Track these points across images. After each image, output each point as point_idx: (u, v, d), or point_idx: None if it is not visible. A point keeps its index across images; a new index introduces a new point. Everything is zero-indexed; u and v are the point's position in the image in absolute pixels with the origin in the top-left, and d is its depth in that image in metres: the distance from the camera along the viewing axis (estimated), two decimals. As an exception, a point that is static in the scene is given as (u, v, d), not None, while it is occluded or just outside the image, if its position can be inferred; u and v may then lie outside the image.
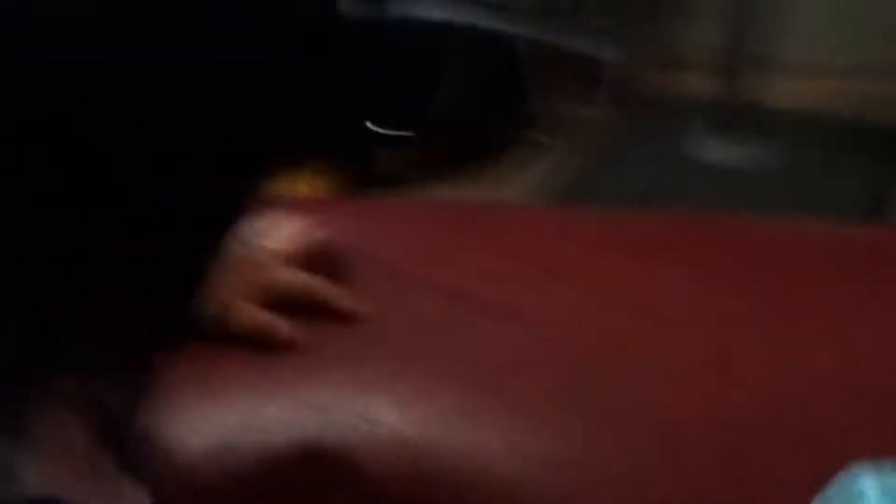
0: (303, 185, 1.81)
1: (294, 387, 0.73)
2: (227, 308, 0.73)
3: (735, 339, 0.76)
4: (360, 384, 0.73)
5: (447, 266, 0.86)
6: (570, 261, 0.87)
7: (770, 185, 1.90)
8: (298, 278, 0.78)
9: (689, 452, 0.68)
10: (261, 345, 0.74)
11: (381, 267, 0.85)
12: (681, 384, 0.72)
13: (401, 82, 1.91)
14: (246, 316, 0.74)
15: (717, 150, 1.94)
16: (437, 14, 1.98)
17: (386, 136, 1.88)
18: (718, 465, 0.67)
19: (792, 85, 2.02)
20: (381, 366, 0.75)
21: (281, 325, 0.75)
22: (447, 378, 0.73)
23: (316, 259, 0.80)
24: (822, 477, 0.60)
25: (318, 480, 0.68)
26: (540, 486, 0.67)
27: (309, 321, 0.76)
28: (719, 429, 0.69)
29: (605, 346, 0.76)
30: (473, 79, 1.91)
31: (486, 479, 0.68)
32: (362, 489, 0.68)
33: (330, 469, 0.68)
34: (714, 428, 0.69)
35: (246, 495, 0.68)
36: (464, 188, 1.91)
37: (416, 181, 1.90)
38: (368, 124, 1.87)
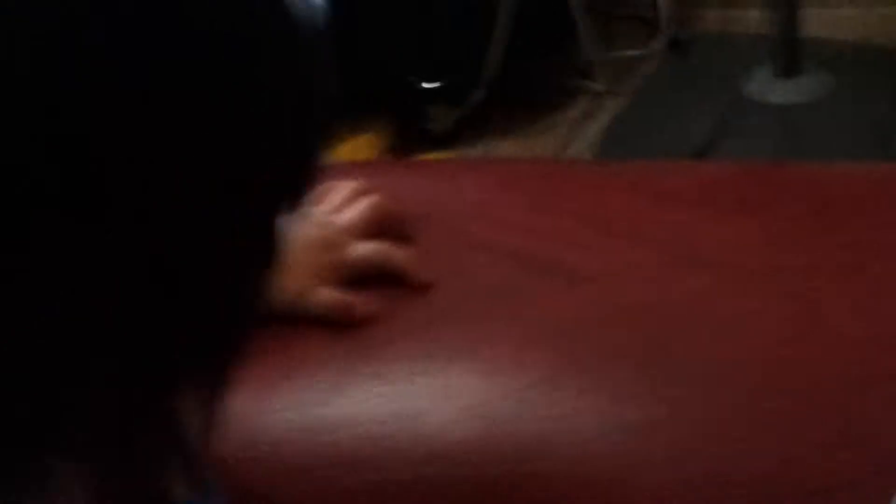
0: (358, 147, 1.79)
1: (372, 361, 0.72)
2: (303, 293, 0.72)
3: (820, 292, 0.74)
4: (439, 355, 0.72)
5: (511, 228, 0.84)
6: (638, 217, 0.85)
7: (834, 122, 1.85)
8: (372, 251, 0.77)
9: (782, 413, 0.66)
10: (338, 323, 0.73)
11: (444, 231, 0.84)
12: (768, 342, 0.70)
13: (453, 36, 1.88)
14: (323, 298, 0.73)
15: (779, 90, 1.89)
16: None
17: (440, 93, 1.85)
18: (815, 426, 0.65)
19: (854, 14, 1.97)
20: (455, 336, 0.74)
21: (358, 304, 0.74)
22: (526, 345, 0.72)
23: (385, 227, 0.79)
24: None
25: (404, 455, 0.67)
26: (628, 454, 0.65)
27: (382, 292, 0.76)
28: (814, 388, 0.67)
29: (685, 305, 0.74)
30: (527, 28, 1.88)
31: (571, 448, 0.66)
32: (440, 461, 0.68)
33: (414, 442, 0.68)
34: (807, 387, 0.67)
35: (330, 474, 0.67)
36: (521, 143, 1.89)
37: (472, 139, 1.88)
38: (422, 82, 1.85)
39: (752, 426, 0.66)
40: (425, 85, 1.85)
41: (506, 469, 0.66)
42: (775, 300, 0.73)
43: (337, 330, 0.73)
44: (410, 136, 1.85)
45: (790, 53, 1.88)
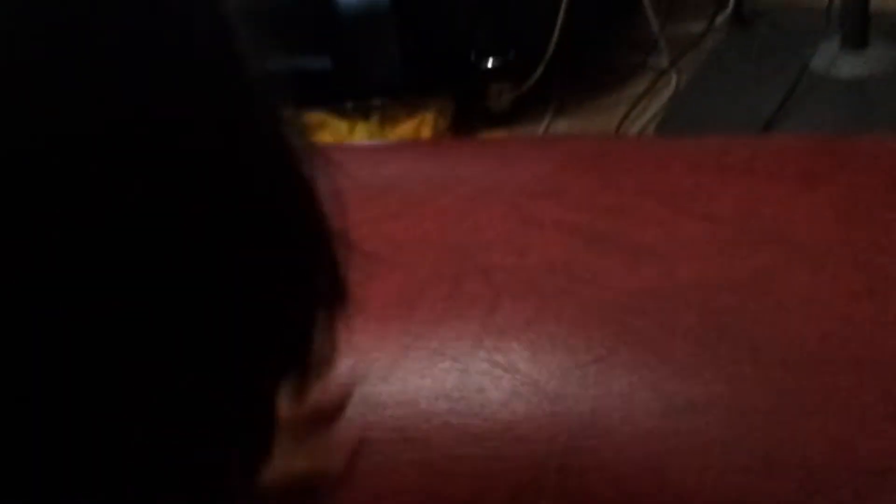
0: (419, 126, 1.79)
1: (431, 338, 0.72)
2: None
3: (888, 268, 0.72)
4: (493, 332, 0.72)
5: (575, 205, 0.84)
6: (703, 193, 0.83)
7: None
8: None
9: (843, 394, 0.65)
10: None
11: (504, 208, 0.84)
12: (830, 321, 0.69)
13: (514, 12, 1.87)
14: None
15: (847, 63, 1.85)
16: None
17: (501, 71, 1.84)
18: (874, 407, 0.64)
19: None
20: (514, 312, 0.73)
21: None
22: (583, 322, 0.71)
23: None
24: None
25: (459, 432, 0.67)
26: (684, 433, 0.64)
27: (441, 269, 0.75)
28: (875, 368, 0.65)
29: (749, 281, 0.72)
30: (589, 3, 1.86)
31: (627, 425, 0.66)
32: (497, 437, 0.67)
33: (471, 419, 0.67)
34: (869, 367, 0.66)
35: (386, 449, 0.67)
36: (583, 120, 1.87)
37: (534, 117, 1.87)
38: (482, 59, 1.84)
39: (810, 405, 0.64)
40: (486, 63, 1.84)
41: (560, 446, 0.65)
42: (842, 276, 0.72)
43: (395, 306, 0.73)
44: (471, 114, 1.84)
45: (857, 26, 1.84)
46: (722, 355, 0.68)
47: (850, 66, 1.85)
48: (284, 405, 0.40)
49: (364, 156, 1.01)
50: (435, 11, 1.79)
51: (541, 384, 0.68)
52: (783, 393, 0.65)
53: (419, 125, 1.78)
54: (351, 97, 1.80)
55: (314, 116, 1.77)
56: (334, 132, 1.78)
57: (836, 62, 1.86)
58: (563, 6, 1.80)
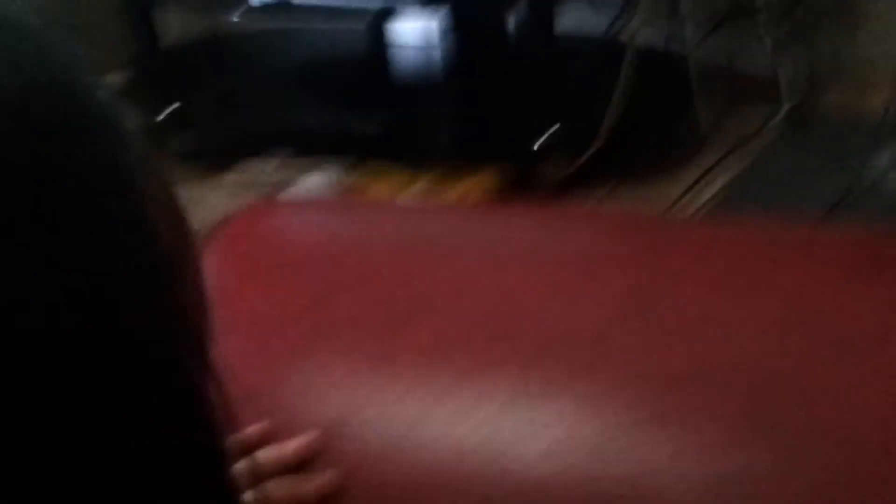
0: (471, 189, 1.80)
1: (467, 388, 0.71)
2: None
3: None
4: (529, 388, 0.71)
5: (619, 277, 0.83)
6: (747, 276, 0.83)
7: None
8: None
9: (885, 481, 0.63)
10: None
11: (544, 275, 0.84)
12: (874, 409, 0.67)
13: (574, 88, 1.89)
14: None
15: (898, 176, 1.84)
16: (605, 28, 1.95)
17: (554, 142, 1.85)
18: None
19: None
20: (549, 372, 0.72)
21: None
22: (618, 389, 0.70)
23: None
24: None
25: (485, 488, 0.66)
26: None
27: (484, 319, 0.75)
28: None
29: (793, 365, 0.71)
30: (641, 92, 1.87)
31: (667, 493, 0.64)
32: (528, 496, 0.66)
33: (497, 475, 0.66)
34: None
35: (406, 494, 0.66)
36: (633, 198, 1.87)
37: (585, 189, 1.87)
38: (539, 130, 1.85)
39: (852, 489, 0.63)
40: (541, 134, 1.86)
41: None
42: (884, 369, 0.71)
43: (436, 351, 0.72)
44: (523, 180, 1.85)
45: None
46: (766, 428, 0.66)
47: (902, 178, 1.84)
48: None
49: (411, 214, 1.02)
50: (491, 82, 1.81)
51: (577, 444, 0.67)
52: (823, 473, 0.64)
53: (471, 187, 1.79)
54: (408, 156, 1.83)
55: (375, 165, 1.80)
56: (393, 182, 1.81)
57: (889, 174, 1.85)
58: (622, 84, 1.81)
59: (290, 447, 0.69)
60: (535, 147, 1.84)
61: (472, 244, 0.91)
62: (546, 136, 1.84)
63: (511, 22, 1.79)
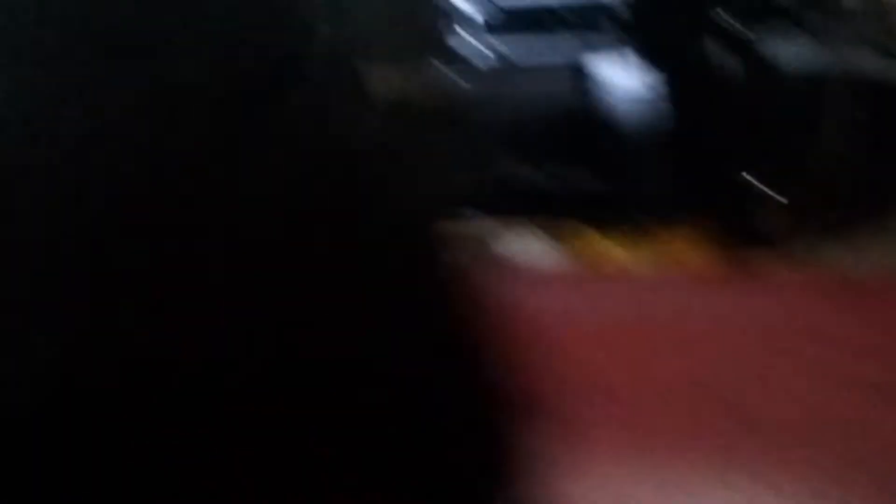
0: (680, 245, 1.75)
1: (665, 466, 0.67)
2: None
3: None
4: (735, 469, 0.66)
5: (836, 345, 0.78)
6: None
7: None
8: None
9: None
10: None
11: (762, 344, 0.79)
12: None
13: (781, 137, 1.81)
14: None
15: None
16: (820, 62, 1.86)
17: (766, 194, 1.78)
18: None
19: None
20: (760, 451, 0.67)
21: None
22: (849, 478, 0.64)
23: None
24: None
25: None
26: None
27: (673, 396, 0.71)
28: None
29: None
30: (859, 131, 1.77)
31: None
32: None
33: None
34: None
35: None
36: (851, 252, 1.75)
37: (797, 242, 1.77)
38: (749, 181, 1.78)
39: None
40: (756, 186, 1.78)
41: None
42: None
43: (631, 431, 0.69)
44: (735, 233, 1.77)
45: None
46: None
47: None
48: None
49: (632, 286, 0.99)
50: (710, 136, 1.75)
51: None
52: None
53: (679, 244, 1.74)
54: (617, 215, 1.79)
55: (579, 230, 1.78)
56: (598, 248, 1.79)
57: None
58: (840, 136, 1.72)
59: None
60: (746, 199, 1.77)
61: (682, 312, 0.88)
62: (759, 183, 1.77)
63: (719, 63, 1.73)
